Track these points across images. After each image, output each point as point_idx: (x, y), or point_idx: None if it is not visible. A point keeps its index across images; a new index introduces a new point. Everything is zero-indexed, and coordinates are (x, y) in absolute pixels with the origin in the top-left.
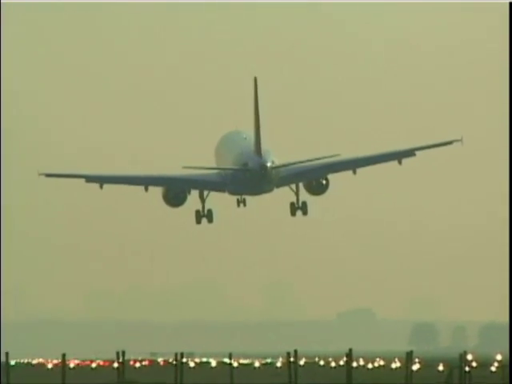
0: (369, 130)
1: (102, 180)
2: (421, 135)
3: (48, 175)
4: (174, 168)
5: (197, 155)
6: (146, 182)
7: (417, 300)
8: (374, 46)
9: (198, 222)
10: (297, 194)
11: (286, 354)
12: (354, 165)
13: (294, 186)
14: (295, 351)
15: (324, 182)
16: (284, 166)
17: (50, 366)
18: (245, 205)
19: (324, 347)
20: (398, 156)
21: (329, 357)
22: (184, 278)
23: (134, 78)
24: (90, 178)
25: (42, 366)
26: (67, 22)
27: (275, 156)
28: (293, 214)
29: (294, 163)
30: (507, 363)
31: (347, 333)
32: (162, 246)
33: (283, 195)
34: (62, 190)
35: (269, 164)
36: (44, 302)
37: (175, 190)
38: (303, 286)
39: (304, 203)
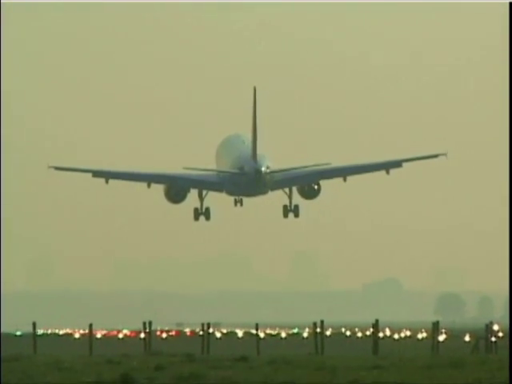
0: (360, 141)
1: (107, 175)
2: (410, 146)
3: (57, 168)
4: (175, 168)
5: (198, 156)
6: (150, 179)
7: (443, 271)
8: (370, 51)
9: (196, 218)
10: (290, 197)
11: (312, 325)
12: (344, 172)
13: (287, 190)
14: (321, 322)
15: (316, 187)
16: (278, 171)
17: (77, 335)
18: (241, 204)
19: (350, 318)
20: (386, 166)
21: (355, 327)
22: (210, 250)
23: (141, 83)
24: (96, 173)
25: (68, 336)
26: (68, 22)
27: (270, 161)
28: (285, 215)
29: (288, 169)
30: None
31: (373, 303)
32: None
33: (278, 198)
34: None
35: (263, 169)
36: (71, 272)
37: (176, 188)
38: (330, 257)
39: (296, 206)
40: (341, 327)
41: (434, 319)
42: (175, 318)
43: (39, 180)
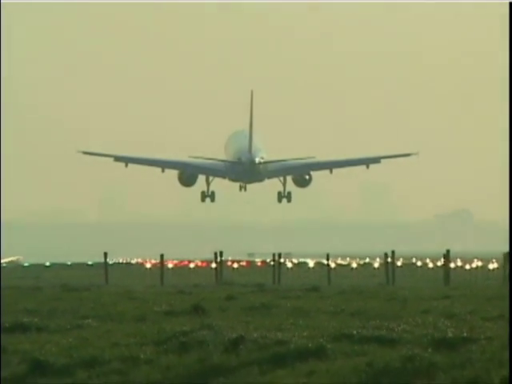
0: (345, 138)
1: (127, 160)
2: (393, 144)
3: (85, 153)
4: (184, 156)
5: (208, 147)
6: (164, 164)
7: None
8: (369, 49)
9: (203, 200)
10: (284, 185)
11: (383, 255)
12: (330, 166)
13: (282, 179)
14: (392, 252)
15: (307, 177)
16: (271, 162)
17: (148, 266)
18: (245, 190)
19: (422, 248)
20: (367, 162)
21: (426, 257)
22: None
23: (158, 81)
24: (118, 158)
25: (140, 266)
26: (87, 11)
27: (266, 153)
28: (279, 200)
29: (281, 161)
30: None
31: (445, 233)
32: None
33: (277, 185)
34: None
35: (257, 160)
36: (142, 203)
37: (187, 174)
38: (401, 187)
39: (289, 193)
40: (412, 257)
41: (506, 250)
42: (246, 249)
43: (71, 161)
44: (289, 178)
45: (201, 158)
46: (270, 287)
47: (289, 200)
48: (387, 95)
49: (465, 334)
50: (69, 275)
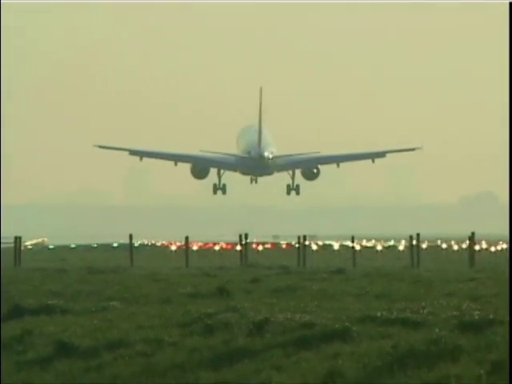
0: (352, 133)
1: (142, 154)
2: (397, 139)
3: (100, 146)
4: (196, 150)
5: (221, 141)
6: (177, 158)
7: None
8: (369, 48)
9: (215, 192)
10: (292, 178)
11: (408, 237)
12: (336, 160)
13: (291, 172)
14: (417, 234)
15: (315, 170)
16: (280, 156)
17: (173, 248)
18: (256, 182)
19: (446, 230)
20: (373, 156)
21: (451, 240)
22: None
23: (172, 81)
24: (133, 152)
25: (165, 248)
26: (71, 22)
27: (275, 148)
28: (288, 193)
29: (289, 155)
30: None
31: (470, 216)
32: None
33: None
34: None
35: (266, 154)
36: (167, 186)
37: (199, 167)
38: (426, 170)
39: (297, 186)
40: (437, 240)
41: None
42: (271, 231)
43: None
44: (297, 172)
45: (210, 151)
46: (294, 269)
47: (297, 192)
48: (392, 92)
49: (490, 317)
50: (94, 257)
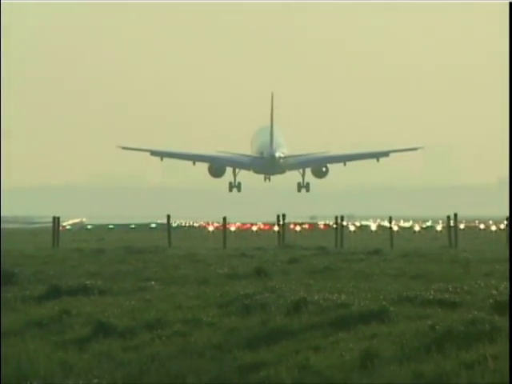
0: (358, 134)
1: (162, 154)
2: (399, 139)
3: (124, 148)
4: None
5: (236, 142)
6: (196, 158)
7: None
8: (371, 49)
9: (230, 190)
10: (303, 176)
11: (446, 218)
12: (343, 159)
13: (301, 171)
14: (455, 215)
15: (324, 169)
16: (291, 156)
17: (211, 228)
18: (269, 180)
19: (484, 211)
20: (377, 155)
21: (489, 220)
22: None
23: (192, 84)
24: (154, 152)
25: (203, 228)
26: (72, 21)
27: (286, 149)
28: (299, 190)
29: (300, 155)
30: None
31: (508, 197)
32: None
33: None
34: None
35: (277, 154)
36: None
37: (216, 166)
38: (465, 150)
39: (307, 183)
40: (475, 220)
41: None
42: (309, 211)
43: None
44: (308, 170)
45: (226, 152)
46: (332, 250)
47: (307, 190)
48: (397, 94)
49: None
50: (132, 238)
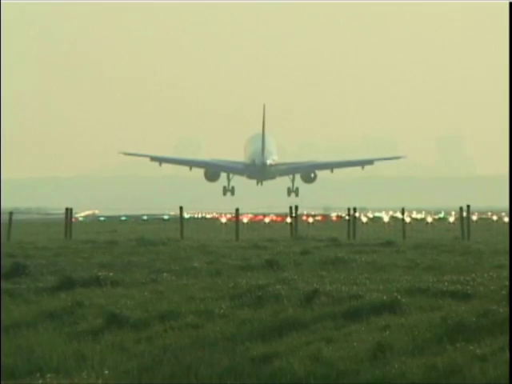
0: (344, 144)
1: (161, 160)
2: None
3: (125, 153)
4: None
5: (230, 149)
6: (192, 164)
7: None
8: (370, 50)
9: (224, 194)
10: (292, 181)
11: (458, 209)
12: (330, 166)
13: (291, 177)
14: (468, 206)
15: (312, 175)
16: (281, 164)
17: (223, 220)
18: (262, 184)
19: (497, 203)
20: (362, 163)
21: (502, 212)
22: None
23: (189, 91)
24: (153, 158)
25: (215, 220)
26: (73, 21)
27: (277, 156)
28: (288, 195)
29: (289, 163)
30: None
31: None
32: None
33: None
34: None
35: (268, 162)
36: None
37: (211, 171)
38: (477, 142)
39: (297, 188)
40: (487, 212)
41: None
42: (321, 203)
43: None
44: (297, 176)
45: (221, 160)
46: (344, 241)
47: (296, 194)
48: (396, 94)
49: None
50: (144, 229)
